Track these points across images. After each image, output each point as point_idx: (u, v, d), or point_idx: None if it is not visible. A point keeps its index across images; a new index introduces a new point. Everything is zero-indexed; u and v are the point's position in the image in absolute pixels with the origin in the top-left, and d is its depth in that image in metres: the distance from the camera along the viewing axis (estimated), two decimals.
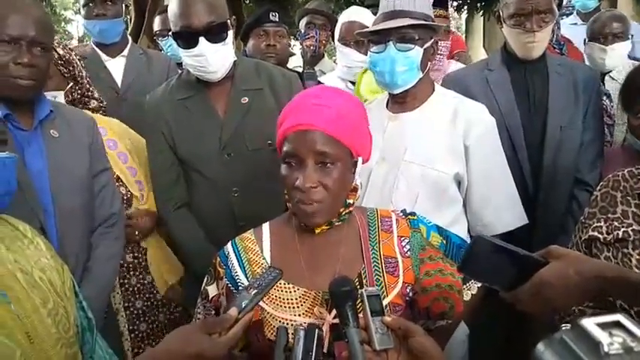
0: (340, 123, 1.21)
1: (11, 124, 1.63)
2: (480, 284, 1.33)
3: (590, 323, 0.57)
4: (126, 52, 2.83)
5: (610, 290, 1.08)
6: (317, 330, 1.07)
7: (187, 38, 1.90)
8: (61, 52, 2.08)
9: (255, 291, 1.14)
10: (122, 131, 2.21)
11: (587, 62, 2.86)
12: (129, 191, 2.11)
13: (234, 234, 1.39)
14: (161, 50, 3.32)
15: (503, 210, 1.83)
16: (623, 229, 1.33)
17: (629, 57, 3.39)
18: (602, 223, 1.37)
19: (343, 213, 1.29)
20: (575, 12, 3.82)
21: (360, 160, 1.28)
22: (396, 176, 1.79)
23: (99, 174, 1.86)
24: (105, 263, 1.80)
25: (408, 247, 1.31)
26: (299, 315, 1.22)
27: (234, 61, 2.02)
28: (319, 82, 2.67)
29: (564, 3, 4.16)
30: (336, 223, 1.29)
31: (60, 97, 2.05)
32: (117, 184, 2.06)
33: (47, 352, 1.07)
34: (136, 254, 2.14)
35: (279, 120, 1.27)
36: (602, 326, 0.56)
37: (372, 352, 1.01)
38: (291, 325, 1.20)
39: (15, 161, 1.12)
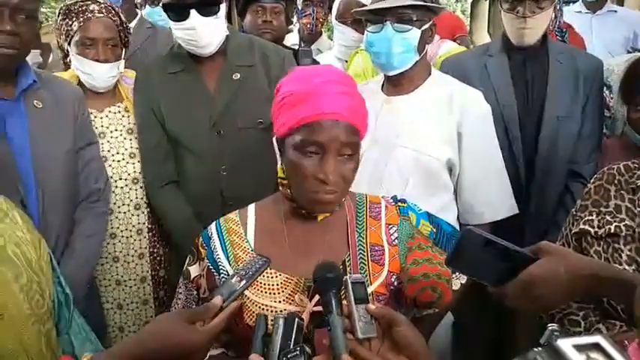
0: (359, 112, 1.18)
1: None
2: None
3: (566, 345, 0.53)
4: (133, 23, 2.79)
5: (601, 289, 1.05)
6: (297, 319, 1.04)
7: (178, 10, 1.84)
8: (123, 17, 2.03)
9: (242, 280, 1.12)
10: None
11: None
12: None
13: (222, 213, 1.36)
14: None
15: (494, 199, 1.80)
16: (615, 224, 1.29)
17: (633, 48, 3.32)
18: (593, 217, 1.33)
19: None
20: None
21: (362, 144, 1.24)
22: (387, 160, 1.76)
23: (84, 148, 1.81)
24: (87, 239, 1.77)
25: (395, 235, 1.27)
26: (279, 301, 1.19)
27: (227, 36, 1.96)
28: (315, 61, 2.62)
29: None
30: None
31: (121, 65, 2.02)
32: None
33: (18, 329, 1.05)
34: None
35: (288, 102, 1.16)
36: (580, 348, 0.53)
37: (354, 341, 0.98)
38: (271, 311, 1.17)
39: None
